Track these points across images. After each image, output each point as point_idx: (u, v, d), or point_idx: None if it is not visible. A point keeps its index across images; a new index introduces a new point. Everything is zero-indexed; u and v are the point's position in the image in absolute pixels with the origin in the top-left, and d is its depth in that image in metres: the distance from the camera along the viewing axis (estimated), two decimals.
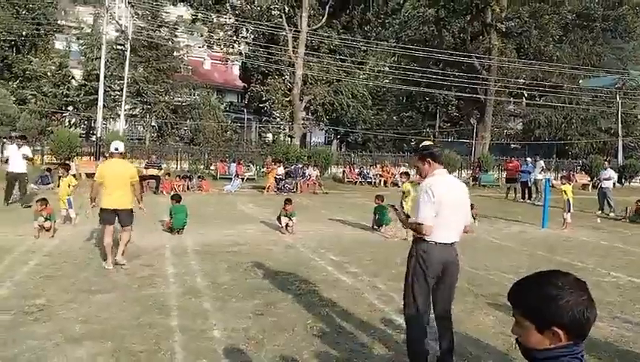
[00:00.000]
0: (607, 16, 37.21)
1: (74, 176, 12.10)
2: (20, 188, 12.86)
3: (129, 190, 7.07)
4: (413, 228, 3.90)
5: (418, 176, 4.17)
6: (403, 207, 9.90)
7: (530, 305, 1.46)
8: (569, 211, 12.32)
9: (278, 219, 10.36)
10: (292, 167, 21.92)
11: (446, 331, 3.96)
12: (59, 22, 36.51)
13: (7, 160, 13.13)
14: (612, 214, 15.50)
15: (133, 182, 7.13)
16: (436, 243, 3.76)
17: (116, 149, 7.21)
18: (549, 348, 1.43)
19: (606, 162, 19.24)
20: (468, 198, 4.02)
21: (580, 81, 37.60)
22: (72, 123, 32.54)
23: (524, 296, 1.49)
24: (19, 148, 12.87)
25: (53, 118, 31.19)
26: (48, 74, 31.22)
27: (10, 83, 31.72)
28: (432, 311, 3.96)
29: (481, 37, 34.39)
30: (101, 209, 7.01)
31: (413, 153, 4.26)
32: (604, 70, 37.90)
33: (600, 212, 15.82)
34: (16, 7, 32.48)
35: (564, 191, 12.47)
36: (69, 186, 10.49)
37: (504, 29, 32.55)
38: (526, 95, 41.18)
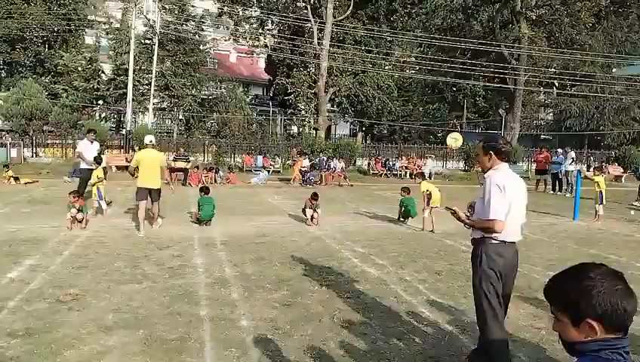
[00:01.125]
0: None
1: (104, 169, 12.36)
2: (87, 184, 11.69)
3: (159, 173, 9.07)
4: (481, 227, 3.61)
5: (478, 163, 4.07)
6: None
7: (563, 300, 1.45)
8: (601, 203, 12.03)
9: (303, 211, 10.41)
10: (317, 159, 21.96)
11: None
12: (89, 17, 37.21)
13: (78, 155, 11.84)
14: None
15: (162, 166, 9.27)
16: (505, 242, 3.57)
17: (150, 141, 9.49)
18: (587, 341, 1.40)
19: None
20: (526, 194, 3.80)
21: (614, 70, 36.40)
22: (102, 117, 33.21)
23: (558, 291, 1.48)
24: (91, 143, 11.79)
25: (83, 111, 31.88)
26: (79, 69, 31.89)
27: (42, 78, 32.54)
28: None
29: (510, 25, 33.62)
30: (138, 188, 8.95)
31: (479, 142, 3.89)
32: None
33: (638, 203, 15.49)
34: (48, 4, 33.22)
35: (597, 183, 12.17)
36: (97, 178, 10.73)
37: (534, 17, 31.75)
38: (557, 84, 40.18)
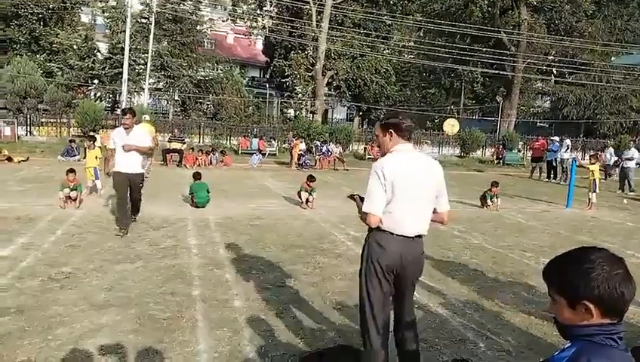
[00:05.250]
0: None
1: (99, 148, 12.27)
2: (131, 197, 7.60)
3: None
4: (361, 218, 3.15)
5: (377, 149, 3.54)
6: None
7: (562, 281, 1.45)
8: (594, 191, 12.07)
9: (299, 194, 10.40)
10: (317, 143, 21.94)
11: (408, 341, 3.33)
12: None
13: (112, 151, 7.61)
14: (632, 194, 15.35)
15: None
16: (394, 234, 3.06)
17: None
18: (582, 324, 1.40)
19: (632, 142, 18.88)
20: (439, 180, 3.20)
21: (613, 58, 36.24)
22: (97, 96, 32.91)
23: (557, 272, 1.48)
24: (126, 133, 7.20)
25: (79, 90, 31.59)
26: (74, 47, 31.50)
27: (37, 56, 32.14)
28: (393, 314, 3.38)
29: (510, 11, 33.41)
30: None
31: (378, 122, 3.29)
32: (639, 47, 36.52)
33: (620, 191, 15.65)
34: None
35: (592, 171, 12.21)
36: (96, 158, 10.69)
37: (535, 4, 31.53)
38: (555, 72, 40.06)
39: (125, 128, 7.19)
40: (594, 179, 12.07)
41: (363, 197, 3.26)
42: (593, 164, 12.60)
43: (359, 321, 3.35)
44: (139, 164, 7.47)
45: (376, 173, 3.03)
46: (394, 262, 3.09)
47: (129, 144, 7.13)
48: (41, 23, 33.18)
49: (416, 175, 3.07)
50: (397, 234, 3.07)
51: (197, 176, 10.15)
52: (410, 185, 3.03)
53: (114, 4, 33.11)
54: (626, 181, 15.94)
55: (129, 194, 7.47)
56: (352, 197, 3.52)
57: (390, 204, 3.04)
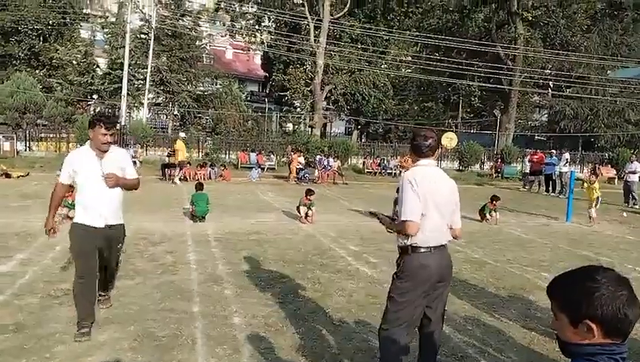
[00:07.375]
0: (638, 5, 36.07)
1: None
2: (104, 267, 4.63)
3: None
4: (398, 229, 3.20)
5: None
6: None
7: (565, 298, 1.44)
8: (594, 206, 11.92)
9: (298, 208, 10.40)
10: (317, 158, 21.98)
11: (433, 345, 3.38)
12: (84, 10, 36.98)
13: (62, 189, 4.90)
14: (636, 207, 15.36)
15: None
16: (431, 248, 3.13)
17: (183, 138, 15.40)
18: (584, 343, 1.39)
19: (633, 155, 18.95)
20: (456, 195, 3.36)
21: (609, 72, 36.51)
22: (96, 111, 33.03)
23: (561, 289, 1.47)
24: (98, 157, 4.29)
25: (78, 106, 31.74)
26: (74, 62, 31.72)
27: (37, 71, 32.32)
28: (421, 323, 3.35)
29: (506, 26, 33.74)
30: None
31: None
32: (634, 61, 36.82)
33: (626, 205, 15.62)
34: None
35: (594, 189, 12.06)
36: None
37: (530, 18, 31.86)
38: (552, 86, 40.32)
39: (103, 150, 4.24)
40: (597, 197, 11.88)
41: (386, 215, 3.45)
42: (593, 182, 12.38)
43: (383, 338, 3.26)
44: (119, 209, 4.49)
45: (410, 182, 3.10)
46: (435, 277, 3.17)
47: (114, 176, 4.23)
48: (41, 38, 33.44)
49: (441, 186, 3.23)
50: (432, 248, 3.14)
51: (199, 186, 10.20)
52: (437, 196, 3.15)
53: (113, 20, 33.40)
54: (630, 195, 16.02)
55: (99, 263, 4.43)
56: (373, 214, 3.59)
57: (425, 216, 3.10)
